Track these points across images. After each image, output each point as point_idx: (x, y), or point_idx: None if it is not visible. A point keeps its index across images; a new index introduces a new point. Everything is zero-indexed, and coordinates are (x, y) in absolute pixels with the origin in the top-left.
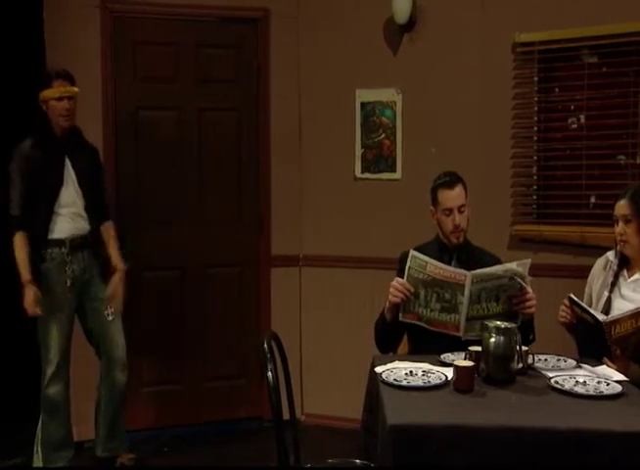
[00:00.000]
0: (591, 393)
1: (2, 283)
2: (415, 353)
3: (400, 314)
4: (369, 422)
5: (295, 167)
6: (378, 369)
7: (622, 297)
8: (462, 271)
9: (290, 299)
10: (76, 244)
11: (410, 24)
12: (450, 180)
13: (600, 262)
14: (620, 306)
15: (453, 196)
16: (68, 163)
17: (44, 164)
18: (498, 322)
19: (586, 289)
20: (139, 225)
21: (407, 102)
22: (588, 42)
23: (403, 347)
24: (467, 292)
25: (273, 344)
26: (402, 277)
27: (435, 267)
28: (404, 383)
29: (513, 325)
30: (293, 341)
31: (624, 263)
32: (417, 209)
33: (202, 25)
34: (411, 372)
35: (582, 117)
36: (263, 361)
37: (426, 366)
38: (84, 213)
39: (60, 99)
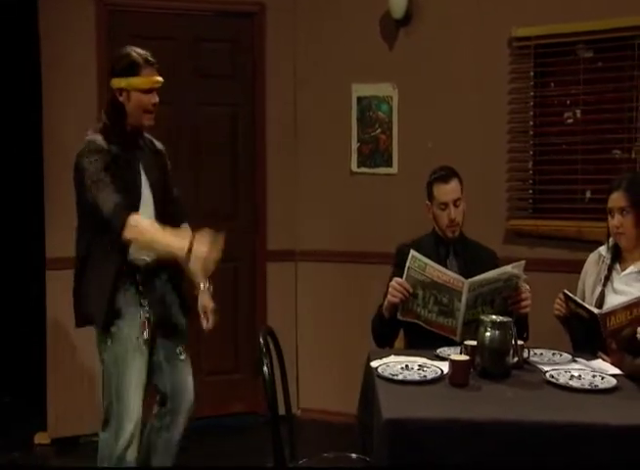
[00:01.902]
0: (586, 386)
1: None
2: (411, 348)
3: (399, 313)
4: (365, 416)
5: (291, 162)
6: (373, 364)
7: (615, 291)
8: (460, 278)
9: (285, 294)
10: (151, 268)
11: (406, 19)
12: (446, 174)
13: (592, 258)
14: (614, 301)
15: (448, 190)
16: (141, 166)
17: (122, 166)
18: (493, 316)
19: (579, 285)
20: None
21: (403, 97)
22: (584, 37)
23: (399, 341)
24: (464, 299)
25: (269, 339)
26: (399, 270)
27: (435, 270)
28: (400, 377)
29: (508, 319)
30: (289, 336)
31: (617, 258)
32: (413, 203)
33: (198, 20)
34: (407, 366)
35: (578, 112)
36: (259, 356)
37: (421, 360)
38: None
39: (148, 91)
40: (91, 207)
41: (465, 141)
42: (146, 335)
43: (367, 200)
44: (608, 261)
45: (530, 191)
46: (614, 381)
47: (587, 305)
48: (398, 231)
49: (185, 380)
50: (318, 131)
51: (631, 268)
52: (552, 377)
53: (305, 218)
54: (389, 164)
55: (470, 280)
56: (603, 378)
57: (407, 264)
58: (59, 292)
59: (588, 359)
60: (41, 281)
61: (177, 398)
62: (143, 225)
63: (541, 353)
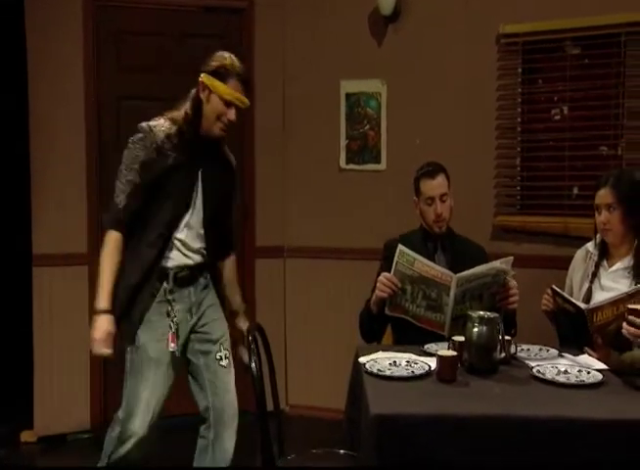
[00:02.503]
0: (572, 382)
1: None
2: (399, 344)
3: (387, 308)
4: (352, 412)
5: (279, 158)
6: (361, 359)
7: (603, 288)
8: (448, 272)
9: (274, 290)
10: (185, 277)
11: (395, 16)
12: (432, 170)
13: (580, 254)
14: (601, 297)
15: (435, 185)
16: (200, 174)
17: (176, 168)
18: (481, 312)
19: (567, 281)
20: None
21: (392, 93)
22: (571, 34)
23: (387, 337)
24: (452, 294)
25: (257, 335)
26: (387, 265)
27: (423, 265)
28: (388, 373)
29: (495, 315)
30: (277, 332)
31: (604, 254)
32: (401, 200)
33: (186, 15)
34: (395, 362)
35: (565, 109)
36: (247, 353)
37: (409, 356)
38: (200, 244)
39: (228, 104)
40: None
41: (453, 137)
42: (172, 347)
43: (356, 196)
44: (595, 258)
45: (518, 187)
46: (600, 376)
47: (574, 301)
48: (387, 227)
49: (226, 389)
50: (307, 127)
51: (618, 265)
52: (539, 372)
53: (294, 215)
54: (378, 161)
55: (458, 275)
56: (589, 373)
57: (395, 259)
58: (45, 288)
59: (575, 355)
60: (27, 277)
61: (218, 409)
62: (106, 245)
63: (528, 349)
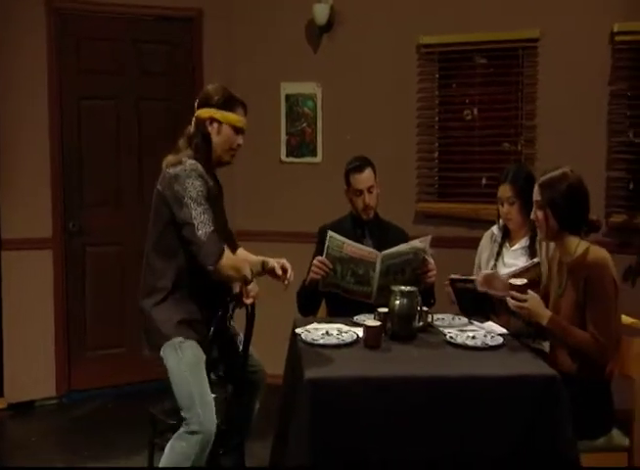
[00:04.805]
0: (479, 345)
1: None
2: (332, 316)
3: (320, 285)
4: (289, 378)
5: None
6: (298, 330)
7: (505, 264)
8: (374, 251)
9: None
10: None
11: (329, 26)
12: (360, 165)
13: (487, 236)
14: (504, 273)
15: (363, 179)
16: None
17: (211, 198)
18: (402, 286)
19: (476, 260)
20: (82, 207)
21: (326, 94)
22: (479, 46)
23: (322, 311)
24: (378, 269)
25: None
26: (322, 249)
27: (351, 247)
28: (320, 342)
29: (414, 289)
30: None
31: (507, 236)
32: (335, 188)
33: (139, 24)
34: (327, 332)
35: (475, 110)
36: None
37: (340, 327)
38: None
39: (238, 131)
40: (181, 227)
41: (380, 134)
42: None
43: (295, 186)
44: (499, 239)
45: (436, 178)
46: (501, 339)
47: (473, 278)
48: (322, 213)
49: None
50: (250, 125)
51: (518, 245)
52: (451, 338)
53: (241, 203)
54: (314, 154)
55: (383, 252)
56: (493, 337)
57: (326, 244)
58: (13, 270)
59: (482, 322)
60: None
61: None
62: (231, 258)
63: (443, 318)
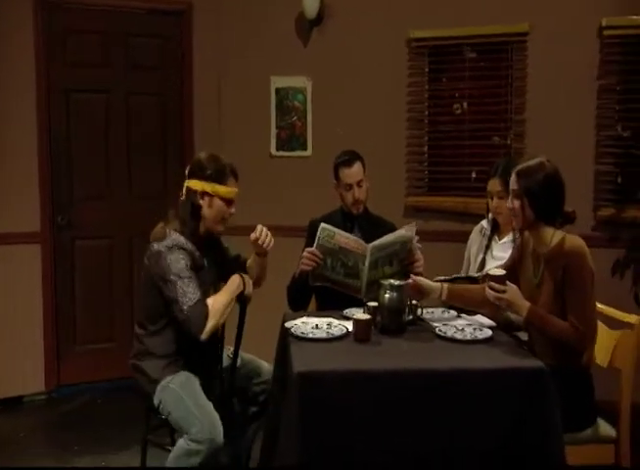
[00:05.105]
0: (468, 338)
1: None
2: (322, 310)
3: (310, 279)
4: (279, 371)
5: (216, 146)
6: (287, 324)
7: (494, 257)
8: (363, 242)
9: None
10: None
11: (319, 20)
12: (349, 159)
13: (476, 229)
14: (492, 265)
15: (352, 173)
16: (214, 267)
17: (197, 268)
18: (392, 280)
19: (465, 253)
20: (71, 200)
21: (316, 88)
22: (468, 40)
23: (311, 305)
24: (367, 261)
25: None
26: (311, 241)
27: (342, 237)
28: (310, 335)
29: (404, 282)
30: None
31: (495, 229)
32: (325, 182)
33: (129, 17)
34: (317, 326)
35: (465, 104)
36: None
37: (330, 320)
38: None
39: (230, 203)
40: (168, 302)
41: (370, 128)
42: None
43: (285, 180)
44: (488, 233)
45: (426, 172)
46: (489, 332)
47: (463, 274)
48: (312, 207)
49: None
50: (241, 118)
51: (506, 238)
52: (440, 331)
53: None
54: (305, 148)
55: (371, 244)
56: (481, 330)
57: (318, 235)
58: (2, 263)
59: (470, 315)
60: None
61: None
62: (215, 307)
63: (432, 311)
